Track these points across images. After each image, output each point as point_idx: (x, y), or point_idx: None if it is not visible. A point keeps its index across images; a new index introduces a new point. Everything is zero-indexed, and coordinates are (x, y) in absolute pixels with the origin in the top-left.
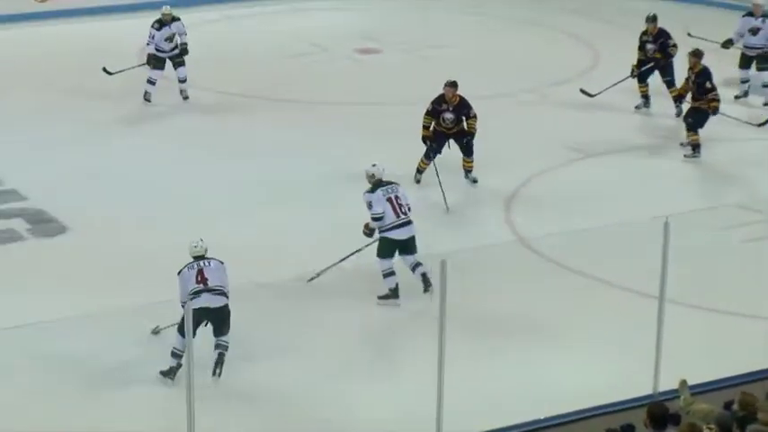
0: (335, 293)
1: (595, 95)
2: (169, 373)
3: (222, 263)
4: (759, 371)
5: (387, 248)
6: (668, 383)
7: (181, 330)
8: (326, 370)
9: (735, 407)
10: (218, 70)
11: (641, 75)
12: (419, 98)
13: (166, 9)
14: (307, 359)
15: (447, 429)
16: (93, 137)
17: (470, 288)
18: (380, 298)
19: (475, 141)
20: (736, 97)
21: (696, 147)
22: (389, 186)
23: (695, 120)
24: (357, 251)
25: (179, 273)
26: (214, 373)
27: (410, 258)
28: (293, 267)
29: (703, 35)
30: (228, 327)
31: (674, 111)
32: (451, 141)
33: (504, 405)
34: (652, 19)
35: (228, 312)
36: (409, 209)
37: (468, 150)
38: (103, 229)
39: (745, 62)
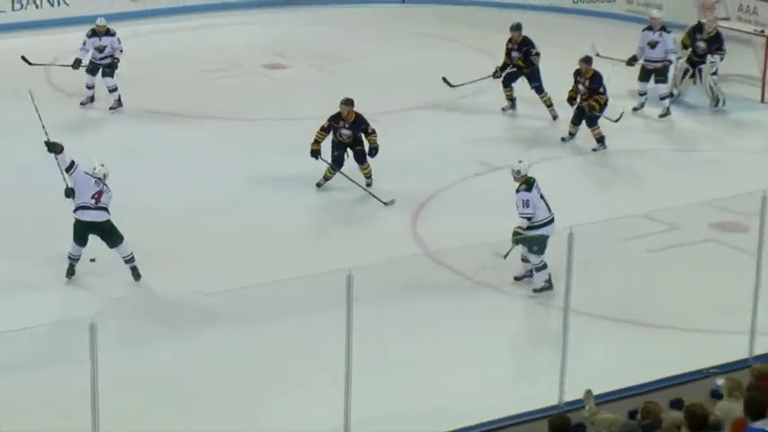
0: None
1: (456, 86)
2: (68, 273)
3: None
4: (662, 379)
5: (544, 243)
6: (574, 394)
7: (74, 239)
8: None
9: (639, 416)
10: (129, 87)
11: (506, 80)
12: (326, 112)
13: (101, 21)
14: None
15: None
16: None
17: (378, 302)
18: (537, 291)
19: (383, 154)
20: (634, 109)
21: (601, 139)
22: (537, 181)
23: (592, 115)
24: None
25: (79, 174)
26: (135, 280)
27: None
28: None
29: (609, 51)
30: (118, 237)
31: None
32: (350, 151)
33: (412, 418)
34: (516, 27)
35: (111, 225)
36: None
37: (360, 158)
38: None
39: (644, 75)
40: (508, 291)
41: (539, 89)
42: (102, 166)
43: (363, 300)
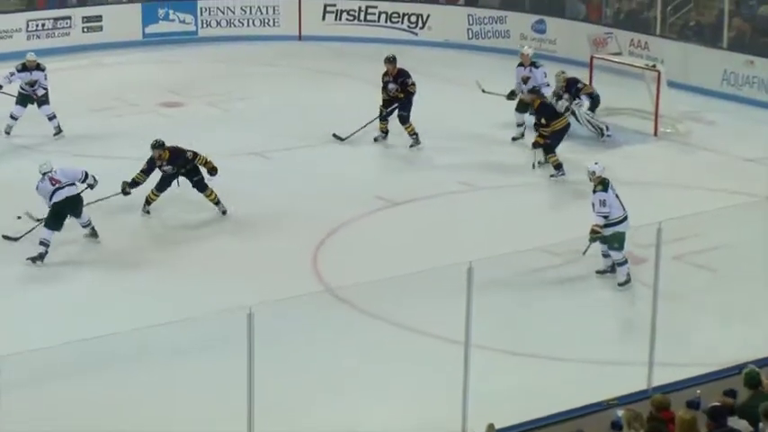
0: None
1: (345, 139)
2: (37, 258)
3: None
4: (563, 411)
5: (622, 240)
6: (476, 428)
7: (48, 224)
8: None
9: None
10: (24, 125)
11: (384, 114)
12: (222, 149)
13: (31, 56)
14: None
15: None
16: None
17: (280, 340)
18: (621, 284)
19: (281, 191)
20: (513, 139)
21: (559, 166)
22: (611, 182)
23: (549, 143)
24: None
25: (36, 188)
26: (95, 237)
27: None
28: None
29: (503, 86)
30: (81, 209)
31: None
32: (181, 179)
33: None
34: (391, 60)
35: (81, 198)
36: None
37: (200, 187)
38: None
39: (521, 107)
40: (408, 325)
41: (404, 119)
42: (45, 163)
43: (265, 337)
